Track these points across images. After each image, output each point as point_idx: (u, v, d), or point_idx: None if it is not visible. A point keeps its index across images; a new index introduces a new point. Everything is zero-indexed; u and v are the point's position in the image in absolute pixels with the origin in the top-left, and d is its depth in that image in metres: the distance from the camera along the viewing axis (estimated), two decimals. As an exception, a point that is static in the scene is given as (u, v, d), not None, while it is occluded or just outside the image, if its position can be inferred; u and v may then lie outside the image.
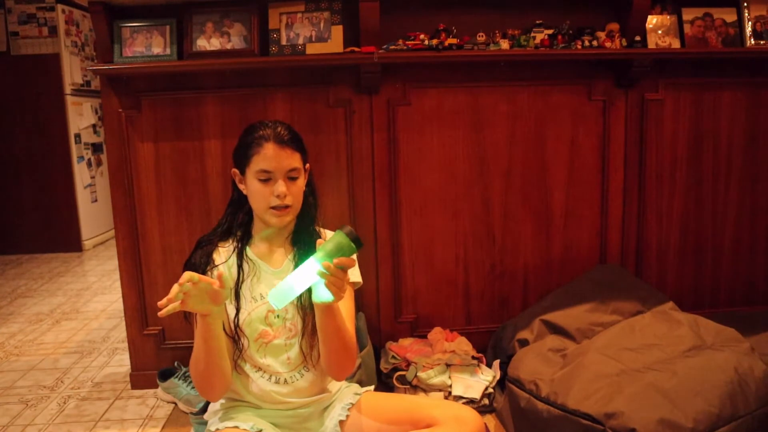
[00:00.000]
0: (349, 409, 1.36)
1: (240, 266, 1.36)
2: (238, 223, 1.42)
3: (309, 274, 1.14)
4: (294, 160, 1.34)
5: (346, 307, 1.36)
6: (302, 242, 1.40)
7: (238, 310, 1.33)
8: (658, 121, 2.18)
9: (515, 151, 2.14)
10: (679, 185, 2.23)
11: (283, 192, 1.31)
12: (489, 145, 2.13)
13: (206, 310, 1.17)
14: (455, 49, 1.99)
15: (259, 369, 1.35)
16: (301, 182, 1.37)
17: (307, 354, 1.36)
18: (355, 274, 1.43)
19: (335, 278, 1.13)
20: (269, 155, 1.31)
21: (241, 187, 1.39)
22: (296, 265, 1.34)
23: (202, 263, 1.35)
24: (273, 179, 1.32)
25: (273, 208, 1.32)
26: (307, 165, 1.41)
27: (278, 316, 1.35)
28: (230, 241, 1.41)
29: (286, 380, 1.36)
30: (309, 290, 1.22)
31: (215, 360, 1.24)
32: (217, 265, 1.35)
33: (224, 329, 1.31)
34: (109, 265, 4.03)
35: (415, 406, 1.33)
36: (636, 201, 2.22)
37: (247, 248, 1.39)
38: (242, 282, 1.35)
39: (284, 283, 1.16)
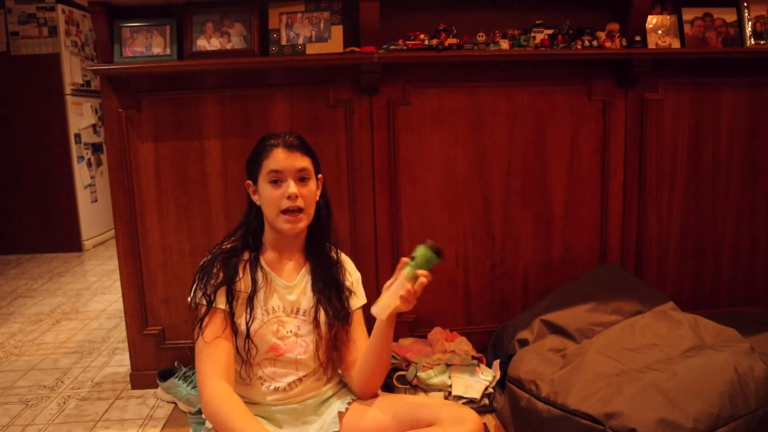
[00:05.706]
0: (348, 403, 1.37)
1: (254, 276, 1.35)
2: (251, 233, 1.42)
3: (398, 289, 1.24)
4: (303, 161, 1.34)
5: (362, 329, 1.43)
6: (315, 255, 1.40)
7: (252, 319, 1.33)
8: (658, 121, 2.18)
9: (515, 151, 2.14)
10: (679, 185, 2.23)
11: (293, 192, 1.30)
12: (489, 145, 2.13)
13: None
14: (455, 49, 1.99)
15: (260, 377, 1.37)
16: (313, 186, 1.37)
17: (316, 369, 1.38)
18: (360, 297, 1.47)
19: (418, 290, 1.21)
20: (279, 158, 1.32)
21: (255, 198, 1.38)
22: (312, 280, 1.39)
23: (231, 276, 1.33)
24: (283, 180, 1.32)
25: (285, 212, 1.32)
26: (320, 175, 1.41)
27: (289, 331, 1.36)
28: (246, 251, 1.40)
29: (284, 389, 1.37)
30: (323, 309, 1.34)
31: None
32: (242, 278, 1.35)
33: (235, 341, 1.32)
34: (109, 265, 4.03)
35: (414, 406, 1.33)
36: (636, 201, 2.22)
37: (260, 258, 1.39)
38: (256, 292, 1.35)
39: (385, 299, 1.26)
